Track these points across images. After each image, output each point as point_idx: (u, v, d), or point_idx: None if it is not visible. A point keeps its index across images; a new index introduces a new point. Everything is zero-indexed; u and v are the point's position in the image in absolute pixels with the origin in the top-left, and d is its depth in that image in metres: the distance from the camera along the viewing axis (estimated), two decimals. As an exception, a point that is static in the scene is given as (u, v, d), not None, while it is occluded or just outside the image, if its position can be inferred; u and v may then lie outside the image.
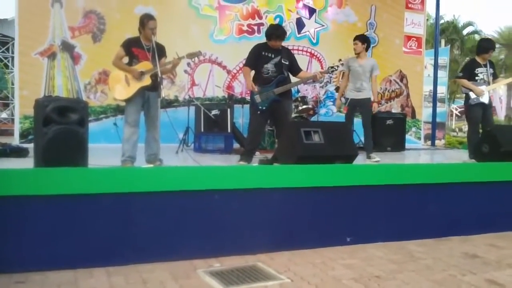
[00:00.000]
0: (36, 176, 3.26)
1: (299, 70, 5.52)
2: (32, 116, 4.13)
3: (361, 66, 6.28)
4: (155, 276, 3.14)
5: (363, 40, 6.38)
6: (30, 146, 4.78)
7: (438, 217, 4.52)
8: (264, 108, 5.19)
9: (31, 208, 3.18)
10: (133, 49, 4.69)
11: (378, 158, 6.07)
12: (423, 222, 4.44)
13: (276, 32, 5.31)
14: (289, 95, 5.55)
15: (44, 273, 3.10)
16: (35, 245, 3.18)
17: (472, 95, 6.00)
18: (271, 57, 5.26)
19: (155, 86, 4.62)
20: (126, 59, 4.76)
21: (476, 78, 6.06)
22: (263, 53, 5.27)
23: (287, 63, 5.33)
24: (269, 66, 5.25)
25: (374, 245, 4.09)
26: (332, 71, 5.88)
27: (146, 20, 4.65)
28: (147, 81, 4.61)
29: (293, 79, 5.60)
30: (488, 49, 6.20)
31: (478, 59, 6.18)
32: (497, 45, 7.01)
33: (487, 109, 6.09)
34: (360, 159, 5.24)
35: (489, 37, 8.07)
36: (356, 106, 6.33)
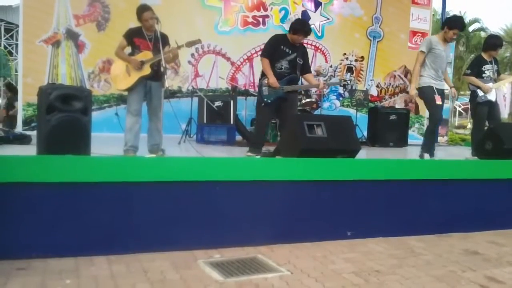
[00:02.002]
0: (38, 163, 3.26)
1: (308, 71, 5.46)
2: (36, 104, 4.13)
3: (445, 51, 5.46)
4: (156, 265, 3.15)
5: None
6: (33, 133, 4.79)
7: (439, 213, 4.52)
8: (269, 101, 5.16)
9: (33, 195, 3.19)
10: (135, 39, 4.69)
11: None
12: (424, 218, 4.44)
13: (305, 28, 5.21)
14: (295, 93, 5.50)
15: (45, 260, 3.12)
16: (37, 232, 3.19)
17: (480, 92, 5.97)
18: (288, 53, 5.18)
19: (157, 75, 4.61)
20: (128, 49, 4.76)
21: (483, 75, 6.04)
22: (282, 46, 5.17)
23: (301, 62, 5.27)
24: (284, 62, 5.17)
25: (374, 240, 4.09)
26: (340, 83, 5.77)
27: (140, 13, 4.66)
28: (146, 70, 4.61)
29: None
30: (497, 46, 6.16)
31: (484, 56, 6.15)
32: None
33: (493, 106, 6.06)
34: (363, 154, 5.23)
35: (497, 34, 7.96)
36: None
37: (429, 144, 5.55)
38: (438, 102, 5.35)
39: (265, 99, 5.16)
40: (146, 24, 4.63)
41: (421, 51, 5.45)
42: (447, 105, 5.33)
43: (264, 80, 5.17)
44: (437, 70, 5.40)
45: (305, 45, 8.74)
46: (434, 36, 5.54)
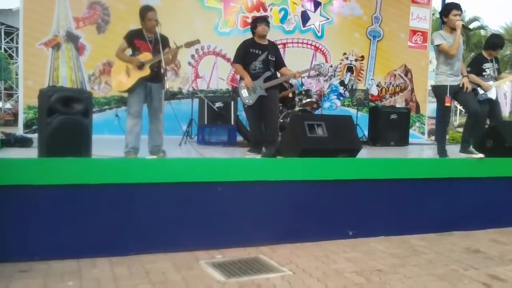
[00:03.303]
0: (40, 166, 3.27)
1: (283, 65, 5.60)
2: (36, 106, 4.14)
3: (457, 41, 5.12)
4: (158, 267, 3.15)
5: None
6: (34, 136, 4.79)
7: (441, 212, 4.52)
8: (251, 102, 5.34)
9: (35, 198, 3.19)
10: (135, 41, 4.69)
11: (480, 154, 4.96)
12: (425, 217, 4.44)
13: (262, 17, 5.51)
14: (275, 87, 5.60)
15: (47, 262, 3.13)
16: (39, 235, 3.20)
17: (480, 90, 5.95)
18: (259, 54, 5.36)
19: (157, 77, 4.61)
20: (129, 51, 4.76)
21: (484, 73, 6.02)
22: (251, 50, 5.37)
23: (273, 59, 5.44)
24: (257, 63, 5.36)
25: (376, 239, 4.10)
26: (314, 69, 5.86)
27: (144, 12, 4.66)
28: (146, 71, 4.61)
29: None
30: (496, 46, 6.13)
31: (485, 54, 6.14)
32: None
33: (494, 104, 6.04)
34: (364, 153, 5.22)
35: (500, 34, 7.87)
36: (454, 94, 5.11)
37: (443, 147, 5.27)
38: (447, 104, 5.12)
39: (247, 101, 5.34)
40: (149, 23, 4.62)
41: (439, 44, 5.09)
42: (447, 103, 5.19)
43: (241, 83, 5.38)
44: (453, 64, 5.11)
45: (305, 45, 8.87)
46: (441, 31, 5.29)
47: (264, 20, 5.47)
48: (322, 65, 5.92)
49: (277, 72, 5.60)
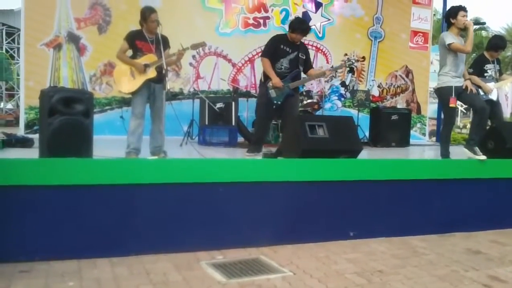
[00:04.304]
0: (41, 166, 3.28)
1: (310, 67, 5.49)
2: (38, 107, 4.14)
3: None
4: (159, 267, 3.15)
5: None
6: (35, 136, 4.80)
7: (442, 213, 4.51)
8: (279, 103, 5.20)
9: (36, 198, 3.20)
10: (136, 42, 4.68)
11: (482, 156, 4.87)
12: (426, 218, 4.44)
13: (302, 26, 5.25)
14: (297, 89, 5.55)
15: (48, 262, 3.13)
16: (40, 235, 3.20)
17: (481, 92, 5.94)
18: (289, 52, 5.23)
19: (160, 78, 4.62)
20: (130, 52, 4.76)
21: (485, 74, 6.01)
22: (282, 46, 5.23)
23: (304, 57, 5.31)
24: (284, 61, 5.23)
25: (377, 240, 4.09)
26: (344, 65, 5.77)
27: (148, 13, 4.65)
28: (152, 73, 4.61)
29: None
30: (498, 48, 6.11)
31: (487, 55, 6.13)
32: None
33: (495, 105, 6.03)
34: (365, 154, 5.22)
35: (502, 36, 7.84)
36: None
37: (447, 149, 5.24)
38: (452, 105, 5.10)
39: (275, 101, 5.19)
40: (152, 25, 4.62)
41: (451, 43, 5.05)
42: (452, 104, 5.16)
43: (268, 82, 5.18)
44: (459, 65, 5.15)
45: (307, 46, 8.85)
46: (449, 32, 5.26)
47: (304, 32, 5.27)
48: (353, 62, 5.86)
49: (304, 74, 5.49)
